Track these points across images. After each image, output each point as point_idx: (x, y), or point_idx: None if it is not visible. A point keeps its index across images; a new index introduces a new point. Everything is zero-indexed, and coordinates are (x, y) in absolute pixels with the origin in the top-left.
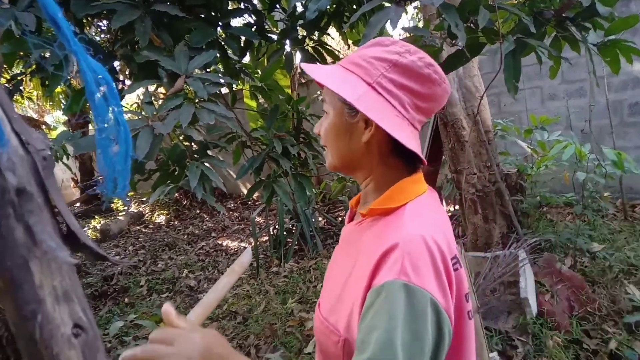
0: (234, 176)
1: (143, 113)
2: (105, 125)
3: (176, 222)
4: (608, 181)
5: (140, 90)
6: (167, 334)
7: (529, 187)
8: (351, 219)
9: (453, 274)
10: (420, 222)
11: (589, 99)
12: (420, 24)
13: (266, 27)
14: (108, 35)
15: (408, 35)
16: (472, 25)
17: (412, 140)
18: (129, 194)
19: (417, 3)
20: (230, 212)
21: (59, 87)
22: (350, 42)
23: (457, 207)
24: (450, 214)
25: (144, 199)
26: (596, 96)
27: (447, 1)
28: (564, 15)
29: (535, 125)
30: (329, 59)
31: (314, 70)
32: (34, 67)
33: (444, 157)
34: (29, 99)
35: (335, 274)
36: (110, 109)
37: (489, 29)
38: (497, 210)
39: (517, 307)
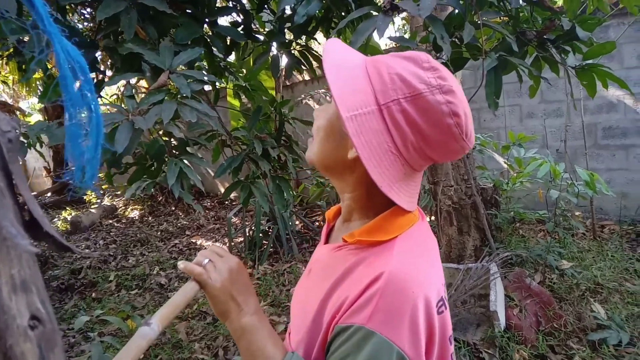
0: (212, 174)
1: (123, 106)
2: (77, 111)
3: (150, 218)
4: (580, 200)
5: (121, 83)
6: (220, 249)
7: (504, 202)
8: (328, 233)
9: (436, 320)
10: (410, 263)
11: (565, 120)
12: (407, 35)
13: (253, 27)
14: (91, 24)
15: (394, 45)
16: (456, 40)
17: (398, 183)
18: (103, 187)
19: (404, 14)
20: (207, 211)
21: (36, 73)
22: None
23: (432, 217)
24: None
25: (118, 192)
26: (572, 117)
27: (434, 14)
28: (545, 36)
29: (514, 142)
30: (314, 63)
31: (327, 57)
32: (10, 50)
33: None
34: (4, 82)
35: (307, 300)
36: (83, 94)
37: (473, 45)
38: (472, 223)
39: (487, 319)
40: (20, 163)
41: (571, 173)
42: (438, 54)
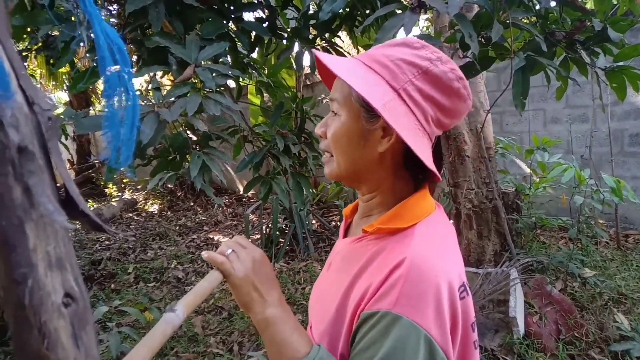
0: (231, 171)
1: (149, 98)
2: (114, 92)
3: (169, 213)
4: (604, 208)
5: (145, 77)
6: (243, 240)
7: (525, 208)
8: (346, 230)
9: (459, 305)
10: (431, 249)
11: (591, 126)
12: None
13: (278, 24)
14: (117, 20)
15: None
16: (483, 39)
17: (430, 157)
18: (124, 181)
19: (429, 15)
20: (225, 207)
21: (63, 67)
22: (359, 47)
23: (451, 221)
24: None
25: (139, 186)
26: (598, 123)
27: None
28: (574, 37)
29: (538, 146)
30: None
31: (332, 62)
32: (39, 44)
33: (443, 170)
34: (32, 76)
35: (329, 291)
36: (120, 76)
37: (500, 45)
38: (492, 228)
39: (505, 325)
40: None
41: (596, 179)
42: (465, 53)
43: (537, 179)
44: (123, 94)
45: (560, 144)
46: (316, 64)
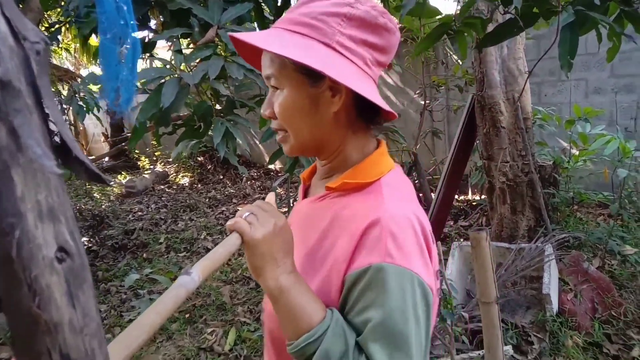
0: (259, 144)
1: (171, 61)
2: (112, 26)
3: (199, 186)
4: None
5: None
6: (266, 204)
7: (563, 182)
8: (305, 194)
9: (433, 247)
10: (401, 198)
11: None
12: None
13: None
14: None
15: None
16: None
17: (380, 99)
18: (156, 154)
19: None
20: (253, 181)
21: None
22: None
23: (483, 196)
24: (475, 203)
25: (170, 159)
26: None
27: None
28: None
29: (579, 116)
30: None
31: (255, 38)
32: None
33: (476, 142)
34: (67, 50)
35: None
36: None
37: (544, 1)
38: (527, 202)
39: (537, 302)
40: (81, 128)
41: None
42: (507, 9)
43: (577, 152)
44: (122, 28)
45: (602, 116)
46: (234, 45)
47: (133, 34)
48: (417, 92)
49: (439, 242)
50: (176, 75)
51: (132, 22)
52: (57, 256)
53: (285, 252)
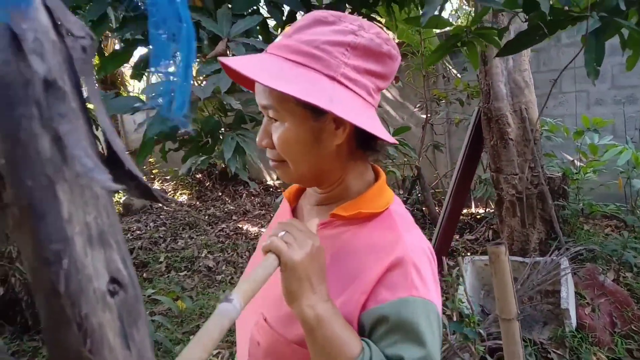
0: (258, 161)
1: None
2: (163, 20)
3: (198, 203)
4: None
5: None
6: (299, 223)
7: (572, 193)
8: (293, 215)
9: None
10: (410, 226)
11: None
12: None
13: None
14: None
15: (471, 7)
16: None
17: (381, 128)
18: (153, 172)
19: None
20: (252, 197)
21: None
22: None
23: (487, 209)
24: (479, 216)
25: (168, 177)
26: None
27: None
28: None
29: (588, 127)
30: None
31: (249, 68)
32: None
33: (482, 154)
34: None
35: None
36: None
37: (559, 10)
38: (537, 215)
39: (554, 318)
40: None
41: None
42: (528, 16)
43: (583, 164)
44: (174, 22)
45: (605, 127)
46: (225, 71)
47: (187, 30)
48: (418, 105)
49: (444, 257)
50: None
51: (186, 16)
52: (110, 288)
53: (320, 277)
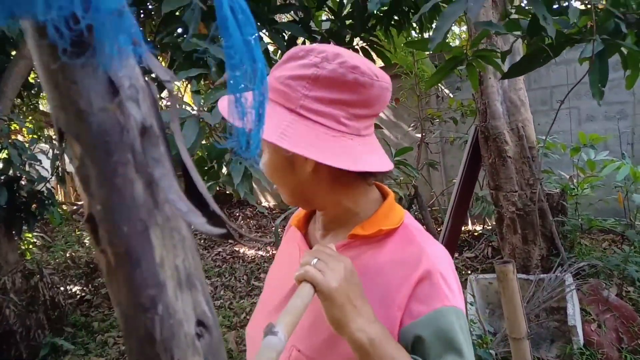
0: (253, 183)
1: (188, 102)
2: (240, 61)
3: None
4: None
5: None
6: (327, 248)
7: (571, 209)
8: (305, 240)
9: None
10: (428, 237)
11: (631, 122)
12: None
13: (311, 26)
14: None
15: (474, 31)
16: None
17: (362, 157)
18: None
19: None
20: (248, 220)
21: None
22: (396, 46)
23: (485, 226)
24: (477, 233)
25: None
26: (638, 120)
27: None
28: None
29: (584, 143)
30: (378, 61)
31: (223, 107)
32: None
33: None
34: None
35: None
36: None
37: (560, 32)
38: (538, 231)
39: (561, 335)
40: (68, 173)
41: None
42: (534, 38)
43: (582, 179)
44: (249, 62)
45: (597, 143)
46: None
47: (261, 71)
48: (412, 125)
49: None
50: (195, 115)
51: (260, 57)
52: (197, 332)
53: (362, 298)
